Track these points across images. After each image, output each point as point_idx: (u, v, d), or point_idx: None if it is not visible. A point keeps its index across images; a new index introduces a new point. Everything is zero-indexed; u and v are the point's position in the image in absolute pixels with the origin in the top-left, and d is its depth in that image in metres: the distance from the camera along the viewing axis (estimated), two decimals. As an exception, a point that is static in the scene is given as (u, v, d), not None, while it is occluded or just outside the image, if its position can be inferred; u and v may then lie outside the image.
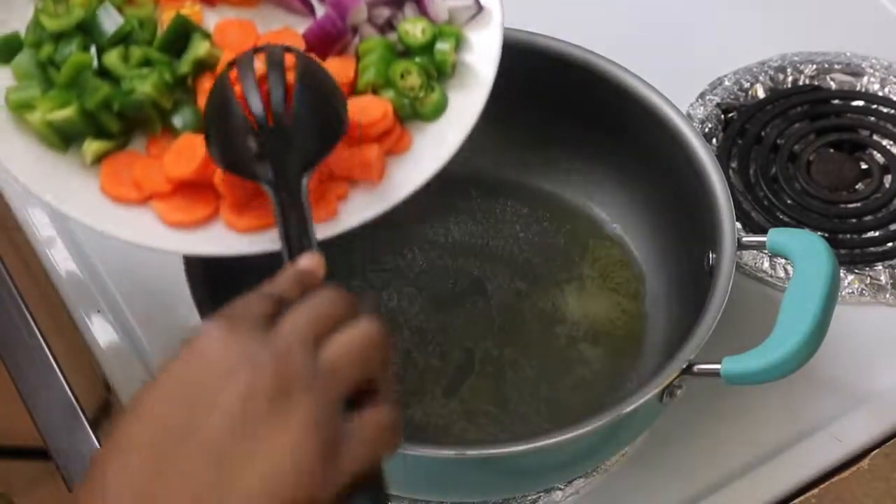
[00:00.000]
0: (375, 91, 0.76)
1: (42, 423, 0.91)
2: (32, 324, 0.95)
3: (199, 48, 0.76)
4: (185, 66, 0.76)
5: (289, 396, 0.54)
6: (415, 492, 0.84)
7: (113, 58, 0.75)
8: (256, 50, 0.71)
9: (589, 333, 0.91)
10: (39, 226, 0.98)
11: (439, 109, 0.77)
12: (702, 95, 1.07)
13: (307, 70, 0.71)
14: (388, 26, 0.81)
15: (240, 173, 0.69)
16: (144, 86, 0.73)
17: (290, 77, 0.69)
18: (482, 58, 0.78)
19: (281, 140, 0.67)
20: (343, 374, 0.56)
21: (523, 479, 0.82)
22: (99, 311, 0.93)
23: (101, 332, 0.92)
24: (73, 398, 0.91)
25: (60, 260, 0.96)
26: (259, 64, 0.70)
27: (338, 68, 0.76)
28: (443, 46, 0.77)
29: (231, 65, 0.71)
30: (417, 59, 0.77)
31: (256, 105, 0.67)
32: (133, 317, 0.93)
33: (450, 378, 0.89)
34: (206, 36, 0.77)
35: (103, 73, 0.75)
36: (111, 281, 0.95)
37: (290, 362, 0.55)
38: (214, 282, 0.79)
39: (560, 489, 0.84)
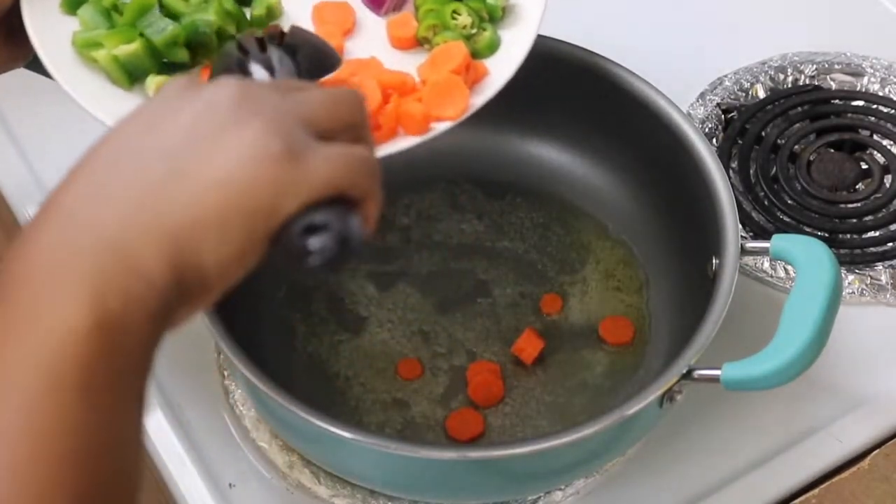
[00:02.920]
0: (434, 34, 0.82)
1: (42, 422, 0.90)
2: (32, 324, 0.95)
3: None
4: (258, 8, 0.80)
5: (253, 107, 0.54)
6: (415, 493, 0.84)
7: None
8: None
9: (592, 336, 0.91)
10: (39, 226, 0.98)
11: (493, 47, 0.82)
12: (702, 95, 1.07)
13: (299, 29, 0.72)
14: None
15: None
16: (208, 13, 0.77)
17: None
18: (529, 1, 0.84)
19: (271, 71, 0.68)
20: (312, 108, 0.56)
21: (524, 482, 0.82)
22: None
23: (101, 331, 0.92)
24: (73, 398, 0.91)
25: (60, 260, 0.96)
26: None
27: (398, 24, 0.81)
28: None
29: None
30: (469, 2, 0.83)
31: (252, 48, 0.68)
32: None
33: (452, 379, 0.89)
34: None
35: (165, 13, 0.78)
36: (111, 281, 0.95)
37: (255, 83, 0.57)
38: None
39: (560, 490, 0.84)
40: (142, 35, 0.77)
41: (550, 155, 0.98)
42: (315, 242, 0.54)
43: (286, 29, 0.70)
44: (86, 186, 0.53)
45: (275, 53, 0.67)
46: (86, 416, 0.48)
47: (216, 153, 0.53)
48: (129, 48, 0.77)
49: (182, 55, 0.78)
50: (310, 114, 0.56)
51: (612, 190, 0.96)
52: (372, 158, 0.57)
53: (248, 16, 0.81)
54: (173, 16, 0.78)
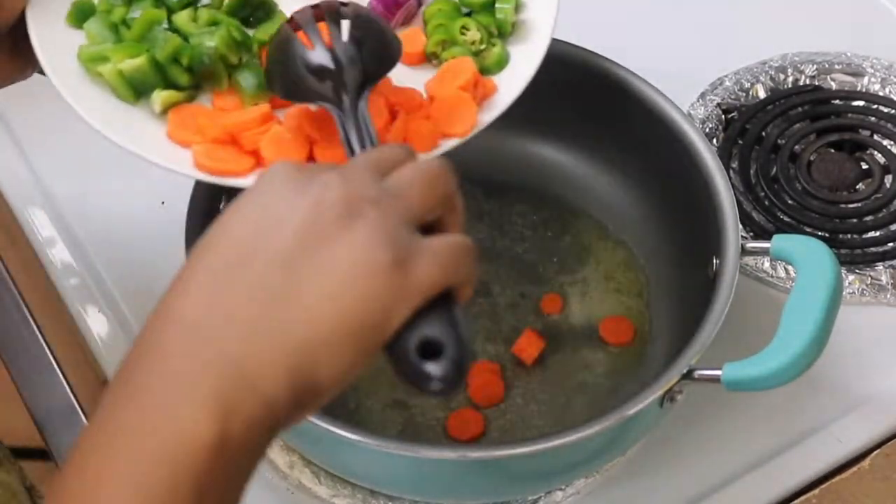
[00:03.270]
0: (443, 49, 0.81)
1: (42, 422, 0.91)
2: (32, 323, 0.95)
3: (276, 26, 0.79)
4: (261, 33, 0.79)
5: (357, 210, 0.53)
6: (415, 493, 0.84)
7: (183, 18, 0.79)
8: (314, 7, 0.73)
9: (592, 337, 0.91)
10: (39, 226, 0.98)
11: (502, 63, 0.81)
12: (702, 95, 1.07)
13: (359, 11, 0.73)
14: None
15: (302, 99, 0.71)
16: (213, 40, 0.77)
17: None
18: (540, 14, 0.82)
19: (338, 64, 0.69)
20: (410, 196, 0.56)
21: (524, 482, 0.82)
22: (99, 311, 0.93)
23: (102, 331, 0.92)
24: (72, 398, 0.91)
25: (60, 260, 0.96)
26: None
27: (407, 39, 0.79)
28: (503, 6, 0.81)
29: (289, 20, 0.73)
30: (478, 17, 0.82)
31: (315, 35, 0.70)
32: (132, 316, 0.93)
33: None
34: (277, 10, 0.81)
35: (173, 31, 0.78)
36: (111, 280, 0.95)
37: (357, 180, 0.55)
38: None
39: (560, 490, 0.84)
40: (147, 50, 0.77)
41: (550, 155, 0.98)
42: (436, 370, 0.54)
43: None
44: (205, 297, 0.53)
45: (338, 44, 0.69)
46: None
47: (328, 265, 0.53)
48: (135, 63, 0.76)
49: (183, 78, 0.77)
50: (410, 206, 0.56)
51: (613, 190, 0.96)
52: (468, 242, 0.57)
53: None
54: (182, 35, 0.78)
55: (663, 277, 0.92)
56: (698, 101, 1.06)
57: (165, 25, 0.78)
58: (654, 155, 0.91)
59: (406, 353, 0.54)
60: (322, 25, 0.70)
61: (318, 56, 0.69)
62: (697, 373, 0.77)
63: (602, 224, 0.96)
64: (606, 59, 0.92)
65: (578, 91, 0.93)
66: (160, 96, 0.76)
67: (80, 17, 0.79)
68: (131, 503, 0.49)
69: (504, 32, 0.82)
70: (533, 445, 0.76)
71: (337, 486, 0.84)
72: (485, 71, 0.80)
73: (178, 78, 0.77)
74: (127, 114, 0.76)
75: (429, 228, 0.57)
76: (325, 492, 0.84)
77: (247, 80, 0.77)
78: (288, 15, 0.75)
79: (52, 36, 0.77)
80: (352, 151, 0.66)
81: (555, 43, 0.92)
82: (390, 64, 0.72)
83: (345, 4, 0.72)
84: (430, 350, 0.55)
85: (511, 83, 0.79)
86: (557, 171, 0.98)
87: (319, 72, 0.69)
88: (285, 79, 0.72)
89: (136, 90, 0.77)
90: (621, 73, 0.91)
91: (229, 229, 0.55)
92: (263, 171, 0.57)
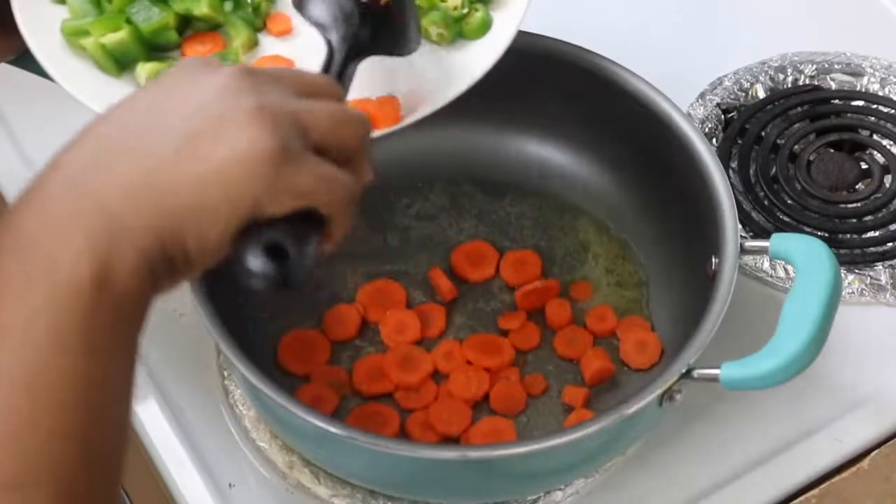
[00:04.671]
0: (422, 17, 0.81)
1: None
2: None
3: None
4: None
5: (260, 98, 0.56)
6: (415, 493, 0.84)
7: None
8: None
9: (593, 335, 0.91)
10: (39, 226, 0.98)
11: (485, 27, 0.81)
12: (702, 95, 1.07)
13: None
14: None
15: (314, 23, 0.73)
16: (201, 7, 0.78)
17: None
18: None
19: (358, 15, 0.72)
20: (317, 118, 0.58)
21: (524, 481, 0.82)
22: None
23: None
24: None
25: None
26: None
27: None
28: None
29: None
30: None
31: None
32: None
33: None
34: None
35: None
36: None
37: (268, 81, 0.58)
38: (214, 277, 0.79)
39: (560, 489, 0.84)
40: (130, 22, 0.77)
41: (550, 155, 0.98)
42: (259, 266, 0.56)
43: None
44: (94, 153, 0.55)
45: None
46: (86, 367, 0.52)
47: (219, 142, 0.55)
48: (116, 36, 0.77)
49: (172, 37, 0.78)
50: (313, 123, 0.58)
51: (612, 190, 0.96)
52: (355, 187, 0.59)
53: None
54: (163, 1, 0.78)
55: (663, 276, 0.92)
56: (698, 100, 1.06)
57: None
58: (654, 155, 0.91)
59: (246, 245, 0.56)
60: None
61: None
62: (696, 372, 0.77)
63: (602, 223, 0.96)
64: (606, 58, 0.92)
65: (578, 91, 0.93)
66: (144, 69, 0.77)
67: None
68: (20, 353, 0.51)
69: None
70: (533, 445, 0.76)
71: (336, 486, 0.84)
72: (466, 35, 0.80)
73: (169, 38, 0.78)
74: (112, 87, 0.76)
75: None
76: (324, 492, 0.84)
77: (237, 32, 0.79)
78: None
79: (35, 11, 0.78)
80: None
81: (555, 42, 0.92)
82: (402, 50, 0.74)
83: None
84: (275, 255, 0.56)
85: (490, 49, 0.79)
86: (557, 171, 0.97)
87: (345, 15, 0.71)
88: None
89: (120, 63, 0.77)
90: (621, 72, 0.91)
91: (132, 102, 0.58)
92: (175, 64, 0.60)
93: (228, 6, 0.80)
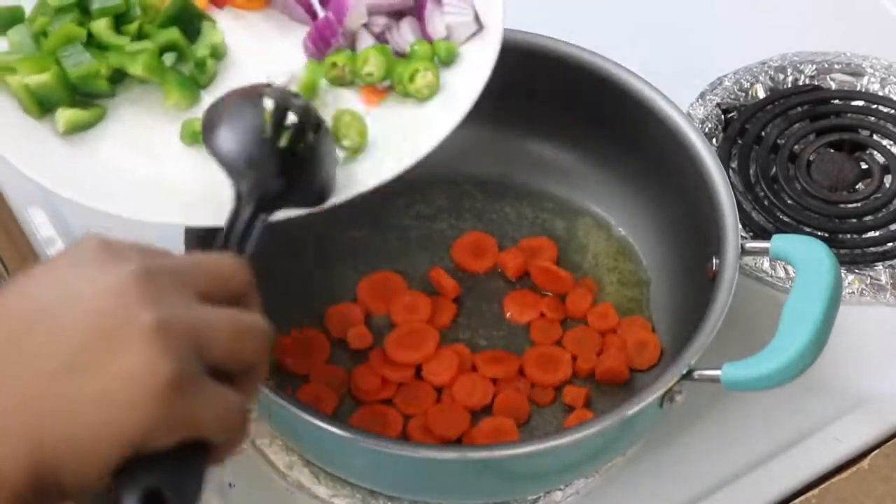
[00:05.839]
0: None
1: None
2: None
3: (215, 36, 0.78)
4: (202, 50, 0.77)
5: (155, 309, 0.50)
6: (415, 493, 0.84)
7: (101, 26, 0.75)
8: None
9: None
10: (39, 226, 0.98)
11: (432, 90, 0.78)
12: (702, 95, 1.07)
13: (326, 136, 0.72)
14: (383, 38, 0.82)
15: (227, 167, 0.69)
16: (136, 67, 0.75)
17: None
18: (470, 77, 0.78)
19: (276, 164, 0.68)
20: (216, 331, 0.53)
21: (524, 482, 0.82)
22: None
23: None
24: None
25: (60, 260, 0.96)
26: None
27: None
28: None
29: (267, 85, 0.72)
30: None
31: (276, 124, 0.69)
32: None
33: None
34: (214, 23, 0.79)
35: (92, 40, 0.76)
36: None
37: (166, 281, 0.52)
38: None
39: (560, 490, 0.84)
40: (59, 64, 0.74)
41: (550, 155, 0.98)
42: None
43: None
44: None
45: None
46: None
47: (106, 363, 0.50)
48: (40, 78, 0.73)
49: (102, 85, 0.75)
50: (213, 340, 0.53)
51: (612, 190, 0.96)
52: (246, 408, 0.54)
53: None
54: (101, 46, 0.75)
55: (663, 277, 0.92)
56: (698, 101, 1.06)
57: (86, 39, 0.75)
58: (654, 155, 0.91)
59: (124, 488, 0.51)
60: None
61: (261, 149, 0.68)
62: (697, 373, 0.77)
63: (602, 224, 0.96)
64: (606, 58, 0.92)
65: (578, 91, 0.93)
66: (63, 115, 0.74)
67: (4, 24, 0.77)
68: None
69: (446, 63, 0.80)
70: (533, 445, 0.76)
71: (336, 486, 0.84)
72: (416, 96, 0.78)
73: (100, 86, 0.75)
74: (32, 130, 0.74)
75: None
76: (324, 492, 0.84)
77: (170, 91, 0.76)
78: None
79: None
80: (224, 240, 0.64)
81: (554, 43, 0.92)
82: (313, 202, 0.71)
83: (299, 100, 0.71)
84: (154, 498, 0.51)
85: (449, 114, 0.77)
86: (557, 171, 0.97)
87: (253, 164, 0.68)
88: (224, 142, 0.69)
89: (42, 105, 0.74)
90: (621, 73, 0.91)
91: (25, 291, 0.52)
92: (74, 242, 0.54)
93: (170, 59, 0.77)
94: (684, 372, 0.76)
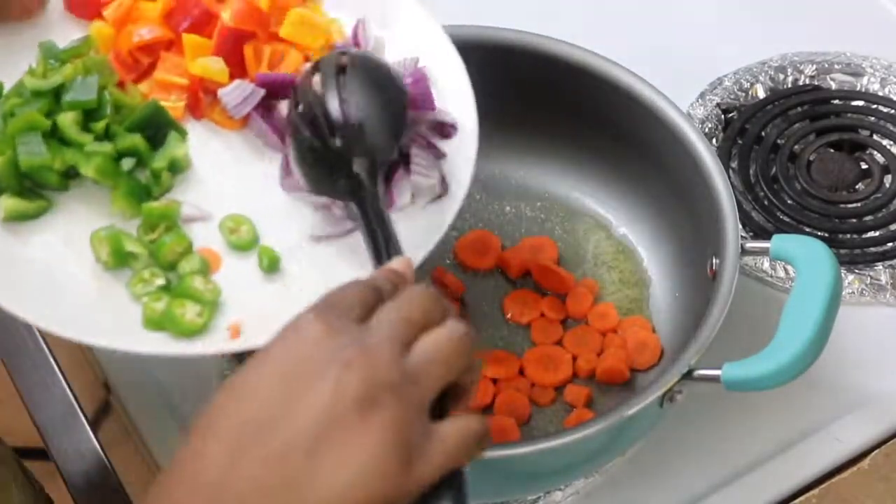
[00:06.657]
0: None
1: (42, 423, 0.90)
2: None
3: (178, 149, 0.76)
4: (160, 161, 0.76)
5: (375, 400, 0.54)
6: (416, 493, 0.84)
7: (67, 121, 0.74)
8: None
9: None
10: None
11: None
12: (702, 95, 1.07)
13: (365, 72, 0.73)
14: None
15: (330, 195, 0.74)
16: (88, 169, 0.74)
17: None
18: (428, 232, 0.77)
19: (347, 154, 0.71)
20: (429, 379, 0.56)
21: (524, 482, 0.82)
22: (99, 312, 0.93)
23: (102, 332, 0.92)
24: (73, 398, 0.91)
25: (60, 260, 0.96)
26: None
27: None
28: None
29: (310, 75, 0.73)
30: None
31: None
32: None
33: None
34: (184, 134, 0.78)
35: (56, 132, 0.74)
36: (111, 281, 0.95)
37: (379, 363, 0.55)
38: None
39: (560, 489, 0.84)
40: (14, 151, 0.73)
41: (550, 155, 0.98)
42: None
43: None
44: (226, 458, 0.54)
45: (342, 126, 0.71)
46: None
47: (342, 458, 0.53)
48: None
49: (53, 179, 0.74)
50: (427, 389, 0.56)
51: (612, 190, 0.96)
52: (485, 428, 0.58)
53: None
54: (64, 140, 0.74)
55: (663, 277, 0.92)
56: (698, 101, 1.06)
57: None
58: (654, 155, 0.91)
59: None
60: None
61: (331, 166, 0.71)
62: (697, 373, 0.77)
63: (602, 224, 0.96)
64: (606, 59, 0.92)
65: (577, 91, 0.93)
66: (5, 203, 0.73)
67: None
68: None
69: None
70: (533, 445, 0.76)
71: (337, 487, 0.84)
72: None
73: (50, 180, 0.74)
74: None
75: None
76: (324, 492, 0.84)
77: (118, 199, 0.74)
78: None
79: None
80: (376, 254, 0.67)
81: (554, 43, 0.92)
82: (398, 136, 0.73)
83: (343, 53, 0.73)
84: None
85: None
86: (557, 171, 0.98)
87: (337, 175, 0.70)
88: (314, 180, 0.73)
89: None
90: (621, 73, 0.91)
91: (254, 387, 0.56)
92: (291, 323, 0.57)
93: (128, 164, 0.75)
94: (684, 372, 0.76)
